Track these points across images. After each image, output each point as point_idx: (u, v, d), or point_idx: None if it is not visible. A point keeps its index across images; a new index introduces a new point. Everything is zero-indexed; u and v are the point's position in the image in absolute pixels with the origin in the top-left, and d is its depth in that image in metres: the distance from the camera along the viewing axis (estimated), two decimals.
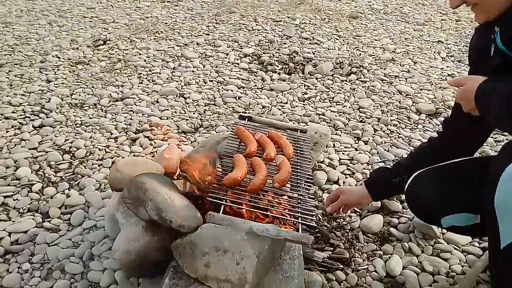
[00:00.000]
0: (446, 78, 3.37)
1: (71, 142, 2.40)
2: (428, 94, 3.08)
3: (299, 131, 1.87)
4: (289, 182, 1.53)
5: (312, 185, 1.58)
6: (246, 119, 1.87)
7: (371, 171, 1.94)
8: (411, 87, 3.16)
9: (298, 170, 1.61)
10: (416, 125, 2.71)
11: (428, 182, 1.39)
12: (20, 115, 2.67)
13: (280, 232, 1.25)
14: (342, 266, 1.68)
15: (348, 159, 2.34)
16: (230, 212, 1.38)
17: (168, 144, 2.38)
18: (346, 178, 2.19)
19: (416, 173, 1.43)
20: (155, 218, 1.39)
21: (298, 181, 1.56)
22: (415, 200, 1.43)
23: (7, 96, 2.86)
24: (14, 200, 2.00)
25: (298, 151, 1.74)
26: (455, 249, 1.77)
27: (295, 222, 1.37)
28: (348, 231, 1.87)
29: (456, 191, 1.33)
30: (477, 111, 1.14)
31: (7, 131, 2.51)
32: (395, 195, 1.98)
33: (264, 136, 1.67)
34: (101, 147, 2.37)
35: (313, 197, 1.51)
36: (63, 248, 1.74)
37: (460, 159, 1.43)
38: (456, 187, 1.34)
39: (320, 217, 1.90)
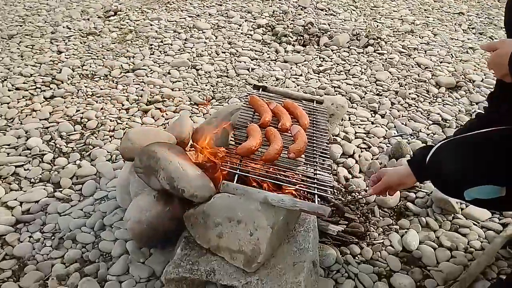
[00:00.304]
0: (467, 51, 3.24)
1: (82, 113, 2.38)
2: (448, 67, 2.97)
3: (315, 101, 1.80)
4: (304, 154, 1.48)
5: (328, 157, 1.52)
6: (261, 89, 1.81)
7: (415, 150, 1.69)
8: (431, 60, 3.05)
9: (314, 142, 1.55)
10: (435, 98, 2.61)
11: (451, 152, 1.31)
12: (31, 86, 2.65)
13: (296, 203, 1.20)
14: (357, 240, 1.64)
15: (364, 133, 2.27)
16: (244, 182, 1.34)
17: (180, 115, 2.33)
18: (361, 152, 2.13)
19: (438, 143, 1.35)
20: (167, 188, 1.36)
21: (314, 153, 1.51)
22: (437, 172, 1.34)
23: (18, 67, 2.84)
24: (25, 170, 1.99)
25: (314, 123, 1.68)
26: (475, 224, 1.72)
27: (311, 193, 1.32)
28: (363, 205, 1.82)
29: (481, 161, 1.25)
30: (510, 77, 1.06)
31: (18, 102, 2.49)
32: None
33: (280, 106, 1.61)
34: (113, 118, 2.34)
35: (329, 169, 1.46)
36: (75, 218, 1.73)
37: (486, 129, 1.35)
38: (481, 158, 1.26)
39: (335, 191, 1.85)
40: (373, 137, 2.24)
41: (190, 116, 2.33)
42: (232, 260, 1.31)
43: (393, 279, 1.49)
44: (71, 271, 1.51)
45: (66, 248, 1.61)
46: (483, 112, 1.53)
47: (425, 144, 2.06)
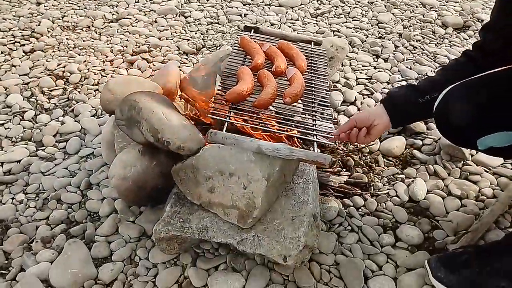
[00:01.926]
0: None
1: (64, 67, 2.22)
2: (455, 6, 2.78)
3: (313, 43, 1.64)
4: (302, 101, 1.34)
5: (328, 105, 1.37)
6: (252, 30, 1.64)
7: (390, 89, 1.51)
8: None
9: (313, 89, 1.41)
10: (442, 40, 2.44)
11: (461, 98, 1.16)
12: (10, 40, 2.48)
13: (292, 152, 1.08)
14: (360, 192, 1.54)
15: (366, 78, 2.12)
16: (236, 133, 1.21)
17: (167, 64, 2.18)
18: (364, 98, 1.99)
19: (446, 89, 1.20)
20: (151, 140, 1.24)
21: (313, 100, 1.36)
22: (446, 120, 1.19)
23: None
24: (5, 129, 1.87)
25: (312, 67, 1.53)
26: (486, 171, 1.60)
27: (309, 141, 1.20)
28: (366, 154, 1.71)
29: (494, 106, 1.11)
30: None
31: None
32: (420, 120, 1.69)
33: (273, 47, 1.46)
34: (96, 71, 2.19)
35: (330, 118, 1.32)
36: (59, 177, 1.62)
37: (497, 69, 1.20)
38: (494, 102, 1.12)
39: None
40: (376, 82, 2.09)
41: (179, 66, 2.18)
42: (226, 216, 1.20)
43: (399, 231, 1.39)
44: (57, 232, 1.42)
45: (50, 209, 1.51)
46: (471, 50, 1.35)
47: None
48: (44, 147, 1.77)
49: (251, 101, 1.23)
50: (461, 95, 1.16)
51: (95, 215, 1.48)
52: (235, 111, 1.22)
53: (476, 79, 1.18)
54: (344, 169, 1.61)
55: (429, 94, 1.25)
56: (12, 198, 1.55)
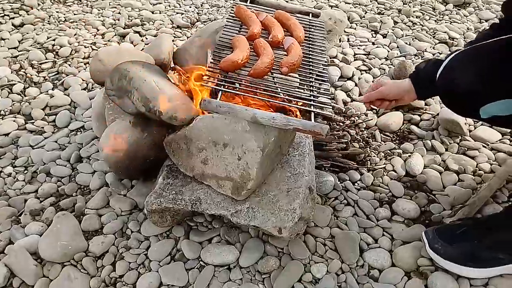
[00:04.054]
0: None
1: (54, 40, 2.16)
2: None
3: (311, 14, 1.59)
4: (298, 75, 1.29)
5: (326, 80, 1.32)
6: (248, 0, 1.59)
7: (417, 64, 1.48)
8: None
9: (310, 62, 1.35)
10: (442, 16, 2.39)
11: (465, 64, 1.13)
12: None
13: (289, 121, 1.04)
14: (356, 166, 1.51)
15: (364, 54, 2.08)
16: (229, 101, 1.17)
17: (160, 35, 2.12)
18: (361, 74, 1.95)
19: (450, 56, 1.17)
20: (142, 110, 1.20)
21: (310, 74, 1.31)
22: (449, 87, 1.16)
23: None
24: None
25: (310, 40, 1.47)
26: (484, 146, 1.58)
27: (307, 111, 1.16)
28: (363, 129, 1.68)
29: (500, 72, 1.08)
30: None
31: None
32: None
33: (270, 17, 1.41)
34: (87, 44, 2.13)
35: (327, 93, 1.27)
36: (48, 151, 1.58)
37: (507, 36, 1.16)
38: (499, 68, 1.08)
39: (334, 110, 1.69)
40: (374, 58, 2.05)
41: (172, 40, 2.12)
42: (220, 188, 1.17)
43: (396, 204, 1.37)
44: (46, 205, 1.38)
45: (39, 182, 1.47)
46: (498, 23, 1.33)
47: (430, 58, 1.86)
48: (33, 121, 1.73)
49: (246, 71, 1.18)
50: (466, 61, 1.12)
51: (85, 189, 1.45)
52: (229, 80, 1.18)
53: (483, 44, 1.14)
54: (340, 143, 1.58)
55: None
56: (0, 171, 1.51)
